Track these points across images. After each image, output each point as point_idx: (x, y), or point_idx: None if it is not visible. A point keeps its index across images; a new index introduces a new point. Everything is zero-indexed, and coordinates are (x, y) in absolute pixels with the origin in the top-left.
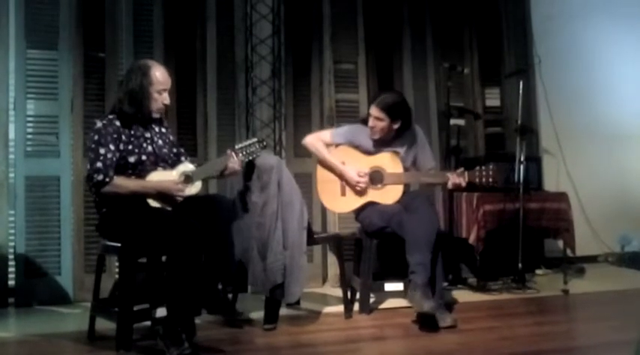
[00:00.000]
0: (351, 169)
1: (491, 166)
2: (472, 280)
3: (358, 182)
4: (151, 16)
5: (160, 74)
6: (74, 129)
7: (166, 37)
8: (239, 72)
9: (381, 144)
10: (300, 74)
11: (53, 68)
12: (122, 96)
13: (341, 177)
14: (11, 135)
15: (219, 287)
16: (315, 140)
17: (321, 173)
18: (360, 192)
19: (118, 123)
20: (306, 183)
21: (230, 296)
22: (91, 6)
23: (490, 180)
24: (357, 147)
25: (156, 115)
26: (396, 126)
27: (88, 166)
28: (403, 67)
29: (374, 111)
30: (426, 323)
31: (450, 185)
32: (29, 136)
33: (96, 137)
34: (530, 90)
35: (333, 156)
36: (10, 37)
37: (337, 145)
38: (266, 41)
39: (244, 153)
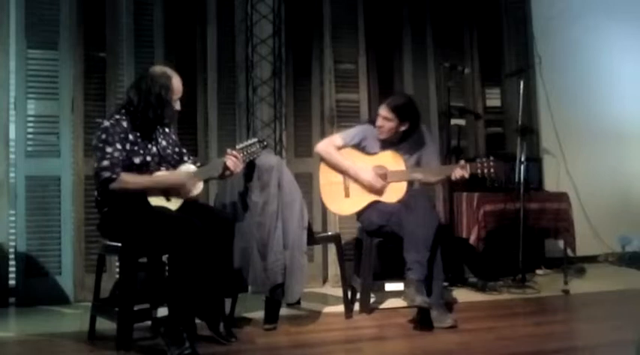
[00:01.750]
0: (366, 170)
1: (491, 159)
2: (472, 280)
3: (371, 183)
4: (152, 16)
5: (177, 82)
6: (75, 129)
7: (167, 36)
8: (239, 72)
9: (388, 145)
10: (300, 74)
11: (54, 68)
12: (138, 99)
13: (356, 178)
14: (12, 134)
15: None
16: (327, 146)
17: (324, 175)
18: (365, 192)
19: (125, 124)
20: (307, 183)
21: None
22: (91, 5)
23: (492, 171)
24: (362, 148)
25: (167, 121)
26: (403, 127)
27: (95, 164)
28: (404, 67)
29: (383, 111)
30: (422, 321)
31: (453, 177)
32: (30, 136)
33: (103, 136)
34: (530, 90)
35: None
36: (10, 36)
37: (352, 146)
38: (267, 41)
39: (245, 153)
